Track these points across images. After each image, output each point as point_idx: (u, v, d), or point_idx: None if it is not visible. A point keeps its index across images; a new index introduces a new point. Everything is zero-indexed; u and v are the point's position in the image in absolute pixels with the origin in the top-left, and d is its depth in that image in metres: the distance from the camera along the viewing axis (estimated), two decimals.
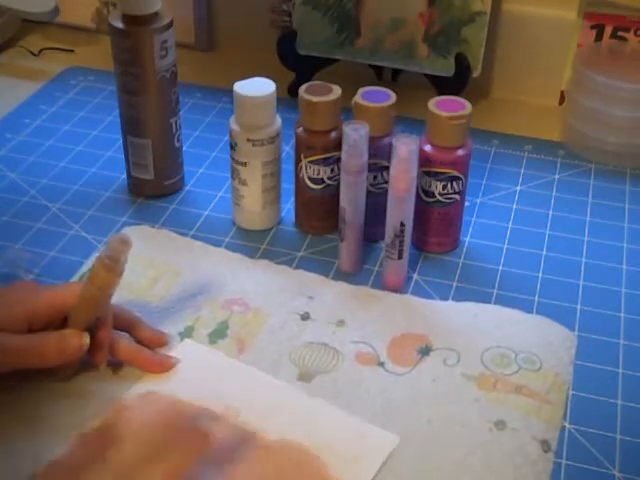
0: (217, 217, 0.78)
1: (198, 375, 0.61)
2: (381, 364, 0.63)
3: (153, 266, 0.71)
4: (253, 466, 0.55)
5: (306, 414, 0.59)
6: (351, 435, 0.57)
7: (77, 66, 1.03)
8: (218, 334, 0.65)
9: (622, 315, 0.68)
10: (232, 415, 0.58)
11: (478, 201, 0.81)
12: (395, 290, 0.69)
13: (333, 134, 0.71)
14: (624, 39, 0.91)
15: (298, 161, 0.73)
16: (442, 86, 0.91)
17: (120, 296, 0.67)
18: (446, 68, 0.91)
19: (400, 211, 0.66)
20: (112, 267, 0.56)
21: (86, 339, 0.58)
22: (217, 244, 0.74)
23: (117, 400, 0.59)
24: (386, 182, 0.70)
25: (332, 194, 0.73)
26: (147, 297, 0.68)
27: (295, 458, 0.55)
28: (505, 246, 0.75)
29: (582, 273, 0.73)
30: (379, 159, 0.70)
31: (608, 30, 0.91)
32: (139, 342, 0.62)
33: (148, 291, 0.68)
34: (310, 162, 0.72)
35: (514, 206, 0.81)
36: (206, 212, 0.79)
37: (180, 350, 0.63)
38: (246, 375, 0.62)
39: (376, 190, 0.72)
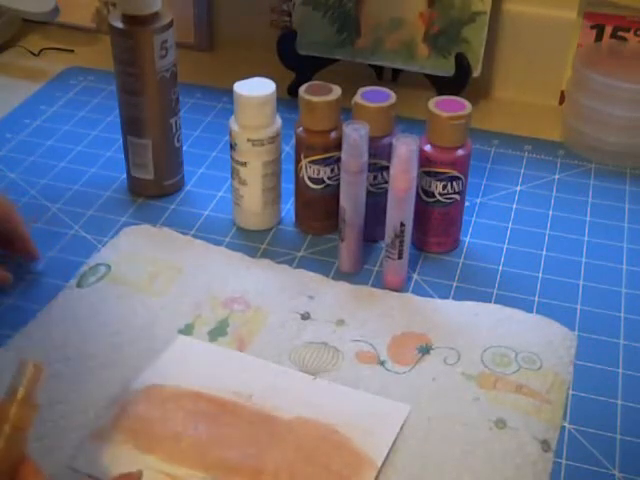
0: (217, 217, 0.78)
1: (200, 367, 0.62)
2: (381, 363, 0.63)
3: (153, 263, 0.71)
4: (275, 444, 0.56)
5: (315, 393, 0.60)
6: (363, 408, 0.58)
7: (77, 66, 1.03)
8: (218, 332, 0.65)
9: (622, 315, 0.68)
10: (243, 400, 0.59)
11: (478, 201, 0.81)
12: (395, 290, 0.70)
13: (333, 134, 0.71)
14: (624, 39, 0.91)
15: (298, 161, 0.73)
16: (442, 86, 0.91)
17: (120, 291, 0.68)
18: (446, 68, 0.91)
19: (400, 211, 0.66)
20: (27, 401, 0.47)
21: None
22: (217, 244, 0.74)
23: (120, 397, 0.59)
24: (386, 182, 0.70)
25: (332, 194, 0.73)
26: (147, 293, 0.68)
27: (315, 434, 0.56)
28: (505, 246, 0.75)
29: (582, 273, 0.73)
30: (379, 159, 0.70)
31: (608, 30, 0.91)
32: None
33: (148, 287, 0.68)
34: (310, 162, 0.72)
35: (514, 206, 0.81)
36: (206, 212, 0.79)
37: (177, 346, 0.63)
38: (248, 363, 0.62)
39: (376, 190, 0.72)
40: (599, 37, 0.91)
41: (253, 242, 0.75)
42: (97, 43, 1.08)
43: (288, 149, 0.82)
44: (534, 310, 0.68)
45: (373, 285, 0.70)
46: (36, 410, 0.47)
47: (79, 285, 0.69)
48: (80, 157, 0.86)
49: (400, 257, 0.68)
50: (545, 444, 0.57)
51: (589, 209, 0.80)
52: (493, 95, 0.99)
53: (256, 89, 0.71)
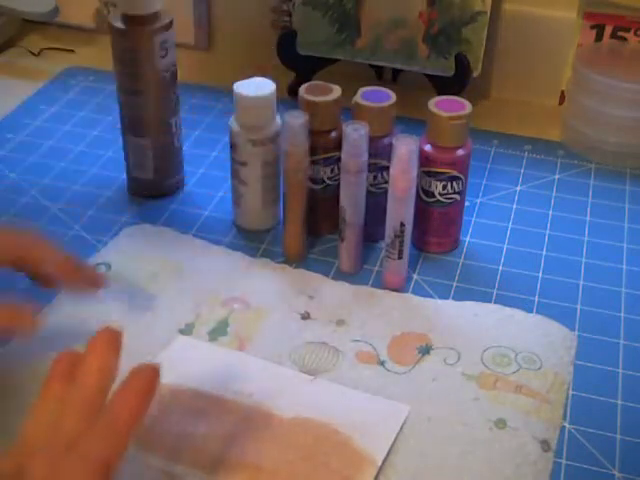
0: (217, 217, 0.78)
1: (200, 367, 0.62)
2: (381, 363, 0.63)
3: (153, 263, 0.71)
4: (275, 443, 0.56)
5: (314, 394, 0.60)
6: (363, 408, 0.58)
7: (77, 66, 1.03)
8: (218, 332, 0.65)
9: (622, 315, 0.68)
10: (243, 399, 0.59)
11: (478, 201, 0.81)
12: (395, 290, 0.69)
13: (333, 134, 0.71)
14: (624, 39, 0.91)
15: None
16: (442, 86, 0.91)
17: (120, 290, 0.68)
18: (446, 68, 0.91)
19: (400, 211, 0.66)
20: None
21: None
22: (217, 244, 0.74)
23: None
24: (386, 182, 0.70)
25: (332, 194, 0.73)
26: (147, 292, 0.68)
27: (314, 433, 0.56)
28: (505, 246, 0.75)
29: (582, 273, 0.73)
30: (379, 159, 0.70)
31: (608, 30, 0.91)
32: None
33: (148, 286, 0.68)
34: (310, 162, 0.72)
35: (514, 206, 0.81)
36: (206, 212, 0.79)
37: (177, 346, 0.63)
38: (248, 363, 0.62)
39: (376, 190, 0.72)
40: (599, 37, 0.91)
41: (253, 242, 0.75)
42: (97, 43, 1.07)
43: None
44: (534, 310, 0.68)
45: (373, 285, 0.70)
46: None
47: None
48: (80, 157, 0.86)
49: (400, 257, 0.68)
50: (545, 444, 0.57)
51: (589, 209, 0.80)
52: (493, 95, 0.99)
53: (256, 89, 0.71)
